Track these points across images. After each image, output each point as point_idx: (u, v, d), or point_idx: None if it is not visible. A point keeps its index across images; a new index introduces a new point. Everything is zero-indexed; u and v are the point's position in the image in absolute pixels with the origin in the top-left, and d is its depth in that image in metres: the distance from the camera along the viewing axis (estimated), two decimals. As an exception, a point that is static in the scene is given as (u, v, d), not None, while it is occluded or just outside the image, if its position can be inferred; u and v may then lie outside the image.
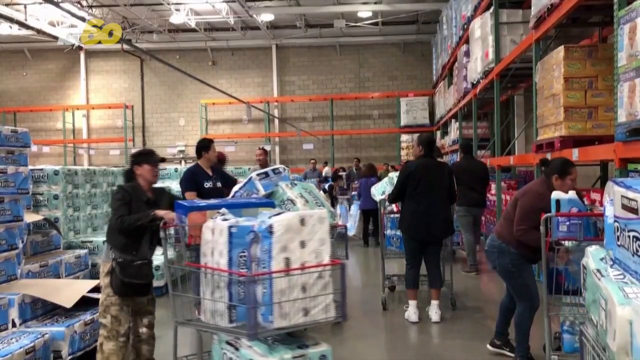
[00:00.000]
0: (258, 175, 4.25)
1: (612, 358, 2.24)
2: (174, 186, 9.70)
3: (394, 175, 7.07)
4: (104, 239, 4.21)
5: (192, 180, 6.03)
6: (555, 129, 6.43)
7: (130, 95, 23.22)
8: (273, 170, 4.35)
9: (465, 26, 12.25)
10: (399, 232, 7.02)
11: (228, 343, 3.31)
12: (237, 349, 3.23)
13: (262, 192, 4.17)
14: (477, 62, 10.81)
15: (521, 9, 9.47)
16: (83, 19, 11.10)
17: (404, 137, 21.58)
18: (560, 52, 6.18)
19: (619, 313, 2.12)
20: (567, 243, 4.09)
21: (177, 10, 18.36)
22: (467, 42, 12.18)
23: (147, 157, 4.27)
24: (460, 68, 13.10)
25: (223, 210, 3.47)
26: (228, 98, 17.56)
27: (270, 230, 3.10)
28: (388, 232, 7.32)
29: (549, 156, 6.76)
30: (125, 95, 23.16)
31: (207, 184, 6.05)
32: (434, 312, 5.99)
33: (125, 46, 18.53)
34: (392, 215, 7.24)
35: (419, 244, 6.01)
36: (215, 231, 3.30)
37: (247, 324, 3.07)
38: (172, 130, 23.35)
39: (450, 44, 15.12)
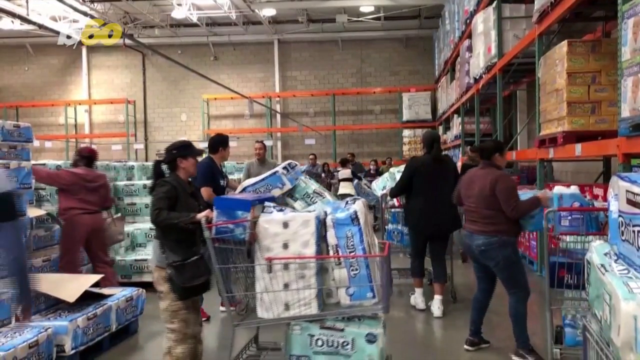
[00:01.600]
0: (284, 169, 4.28)
1: (616, 353, 2.24)
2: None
3: (395, 171, 7.12)
4: (155, 242, 3.89)
5: (209, 175, 5.77)
6: (558, 124, 6.42)
7: (132, 90, 23.20)
8: (289, 164, 4.39)
9: (468, 21, 12.22)
10: (399, 227, 7.05)
11: (324, 327, 3.52)
12: (341, 329, 3.51)
13: (289, 186, 4.20)
14: (479, 57, 10.78)
15: (524, 3, 9.43)
16: (85, 14, 11.08)
17: (406, 133, 21.55)
18: (563, 47, 6.16)
19: (623, 308, 2.12)
20: (567, 238, 4.14)
21: (179, 5, 18.32)
22: (469, 37, 12.15)
23: (192, 150, 4.09)
24: (463, 63, 13.08)
25: (268, 204, 3.70)
26: (230, 93, 17.53)
27: (354, 217, 3.57)
28: (389, 226, 7.35)
29: (551, 152, 6.77)
30: (127, 91, 23.14)
31: (222, 182, 5.92)
32: (437, 308, 6.01)
33: (127, 41, 18.47)
34: (393, 210, 7.26)
35: (425, 239, 6.10)
36: (293, 223, 3.50)
37: (382, 301, 3.52)
38: (173, 125, 23.33)
39: (452, 38, 15.09)
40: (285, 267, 3.47)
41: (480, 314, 5.04)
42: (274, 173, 4.21)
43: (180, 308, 3.85)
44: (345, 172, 12.78)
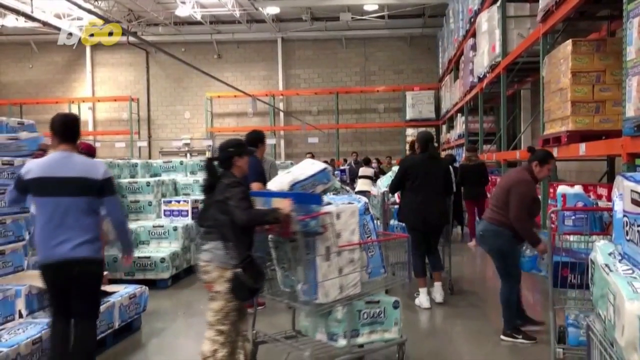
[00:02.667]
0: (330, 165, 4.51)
1: (619, 353, 2.23)
2: (179, 179, 9.73)
3: (396, 169, 7.36)
4: (216, 242, 3.80)
5: (260, 171, 5.78)
6: (562, 124, 6.40)
7: (136, 88, 23.23)
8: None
9: (472, 20, 12.20)
10: (401, 223, 7.19)
11: (368, 302, 4.17)
12: (378, 301, 4.23)
13: (332, 182, 4.53)
14: (483, 56, 10.77)
15: (528, 2, 9.41)
16: (89, 11, 11.08)
17: (410, 131, 21.53)
18: (567, 46, 6.14)
19: (627, 308, 2.11)
20: (571, 237, 4.15)
21: (183, 2, 18.33)
22: (473, 35, 12.13)
23: (246, 149, 4.08)
24: (467, 62, 13.06)
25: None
26: (233, 91, 17.56)
27: (366, 208, 4.15)
28: (392, 222, 7.50)
29: (555, 151, 6.75)
30: (130, 88, 23.17)
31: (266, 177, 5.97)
32: (438, 294, 6.31)
33: (131, 39, 18.49)
34: (395, 207, 7.42)
35: (419, 233, 6.28)
36: (343, 215, 3.91)
37: (408, 276, 4.54)
38: (177, 123, 23.36)
39: (456, 37, 15.06)
40: (339, 254, 3.85)
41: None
42: (323, 170, 4.45)
43: (233, 309, 3.83)
44: (366, 170, 13.21)
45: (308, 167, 4.51)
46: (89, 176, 3.81)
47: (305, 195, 4.02)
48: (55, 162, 3.82)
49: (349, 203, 4.11)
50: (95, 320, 4.03)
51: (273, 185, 4.48)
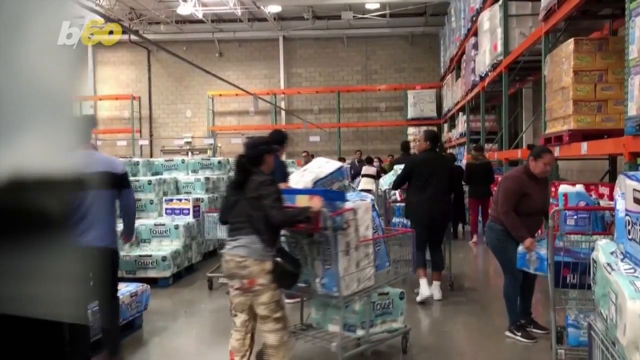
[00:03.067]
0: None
1: (621, 352, 2.23)
2: (181, 177, 9.73)
3: (398, 168, 7.50)
4: (251, 237, 3.82)
5: (285, 172, 5.95)
6: (564, 123, 6.39)
7: (138, 86, 23.23)
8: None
9: (474, 18, 12.19)
10: (403, 220, 7.29)
11: (380, 294, 4.43)
12: (387, 293, 4.51)
13: (346, 179, 4.64)
14: (485, 55, 10.76)
15: (530, 1, 9.40)
16: (91, 9, 11.10)
17: (411, 130, 21.52)
18: (569, 44, 6.13)
19: (629, 307, 2.11)
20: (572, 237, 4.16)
21: (185, 1, 18.33)
22: (475, 34, 12.12)
23: (274, 146, 4.26)
24: (468, 61, 13.05)
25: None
26: (235, 90, 17.54)
27: (373, 204, 4.31)
28: (394, 219, 7.65)
29: (557, 150, 6.75)
30: (132, 87, 23.18)
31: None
32: (437, 291, 6.46)
33: (133, 37, 18.51)
34: (396, 204, 7.49)
35: (425, 230, 6.33)
36: (359, 211, 4.07)
37: (413, 270, 4.94)
38: (178, 121, 23.36)
39: (458, 36, 15.06)
40: (356, 248, 4.04)
41: (521, 299, 5.25)
42: (340, 168, 4.55)
43: (280, 297, 3.94)
44: (369, 169, 13.42)
45: (325, 165, 4.55)
46: (112, 170, 4.32)
47: (333, 193, 4.16)
48: (83, 159, 4.15)
49: (362, 200, 4.23)
50: (115, 297, 4.53)
51: (296, 183, 4.53)
